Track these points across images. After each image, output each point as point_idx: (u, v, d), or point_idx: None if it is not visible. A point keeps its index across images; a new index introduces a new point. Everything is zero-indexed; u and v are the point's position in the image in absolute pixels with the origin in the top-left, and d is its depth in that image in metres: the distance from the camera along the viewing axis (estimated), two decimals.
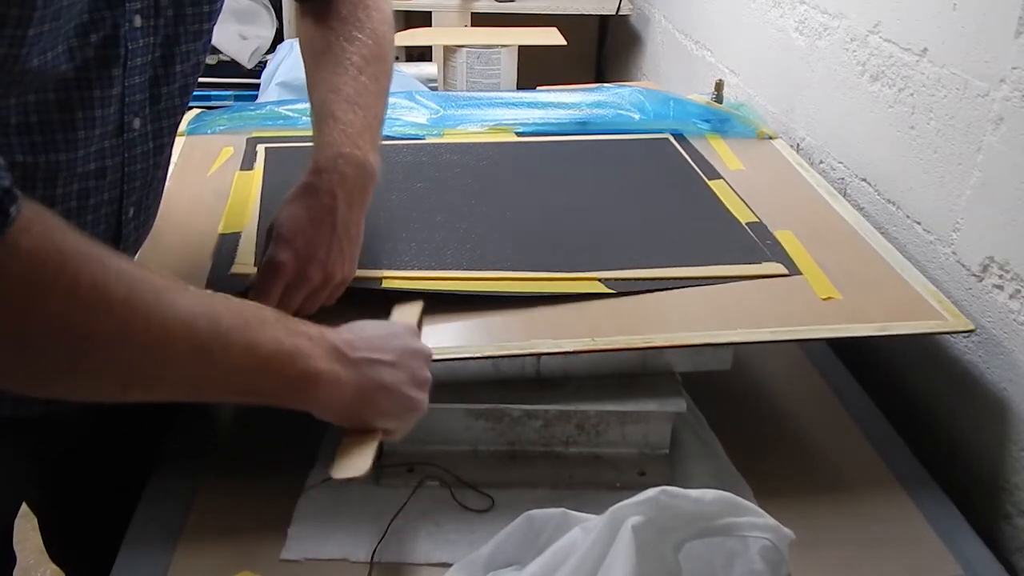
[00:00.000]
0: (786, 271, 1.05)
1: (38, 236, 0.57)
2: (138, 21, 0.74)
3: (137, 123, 0.81)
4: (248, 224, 1.10)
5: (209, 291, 0.71)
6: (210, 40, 0.87)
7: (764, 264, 1.06)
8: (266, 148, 1.31)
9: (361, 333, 0.78)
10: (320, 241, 0.85)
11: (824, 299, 1.00)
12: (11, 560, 1.04)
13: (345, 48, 0.90)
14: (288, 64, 1.75)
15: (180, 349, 0.65)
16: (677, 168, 1.32)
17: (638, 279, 1.01)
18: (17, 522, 1.04)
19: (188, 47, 0.82)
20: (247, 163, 1.28)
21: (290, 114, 1.42)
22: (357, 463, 0.75)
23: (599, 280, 1.00)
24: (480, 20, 2.46)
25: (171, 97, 0.84)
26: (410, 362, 0.79)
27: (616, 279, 1.01)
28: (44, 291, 0.58)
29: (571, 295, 0.97)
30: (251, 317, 0.70)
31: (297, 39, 1.03)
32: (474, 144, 1.37)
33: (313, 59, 0.93)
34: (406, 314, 0.92)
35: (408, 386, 0.78)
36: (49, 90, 0.70)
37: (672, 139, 1.41)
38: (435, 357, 0.87)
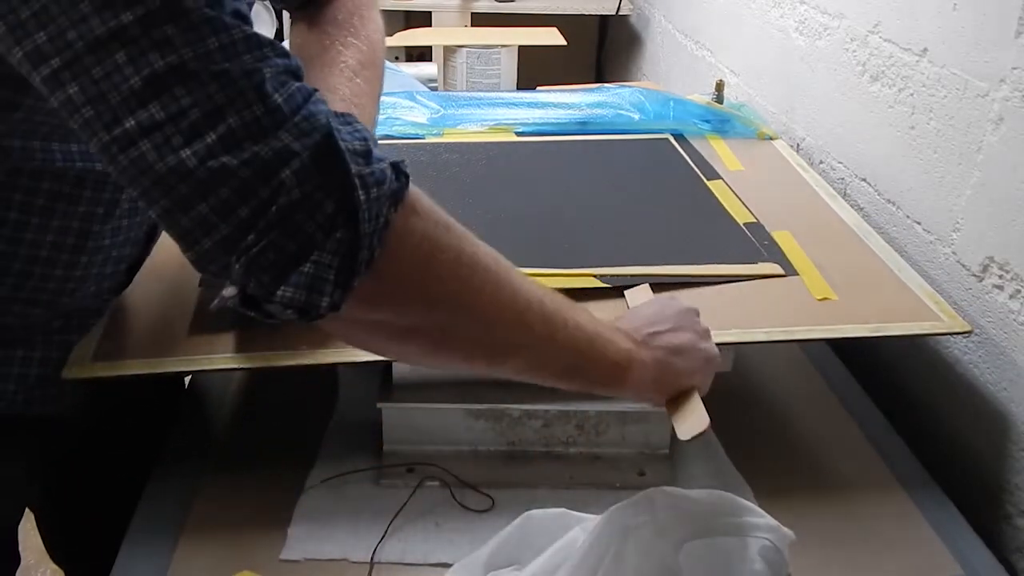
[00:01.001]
0: (782, 271, 1.05)
1: (426, 204, 0.62)
2: None
3: None
4: None
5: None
6: None
7: (760, 264, 1.06)
8: None
9: (633, 318, 0.81)
10: None
11: (820, 300, 1.00)
12: (15, 560, 1.04)
13: (341, 52, 0.90)
14: None
15: (535, 318, 0.68)
16: (676, 168, 1.32)
17: (633, 275, 1.01)
18: None
19: None
20: None
21: None
22: (696, 419, 0.77)
23: (594, 276, 1.00)
24: (480, 20, 2.46)
25: None
26: (687, 321, 0.81)
27: (611, 275, 1.01)
28: (439, 254, 0.62)
29: (565, 290, 0.97)
30: (564, 300, 0.72)
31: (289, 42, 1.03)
32: (474, 144, 1.37)
33: (308, 61, 0.93)
34: (640, 295, 0.97)
35: (697, 342, 0.80)
36: None
37: (672, 139, 1.41)
38: None
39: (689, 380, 0.80)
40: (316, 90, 0.58)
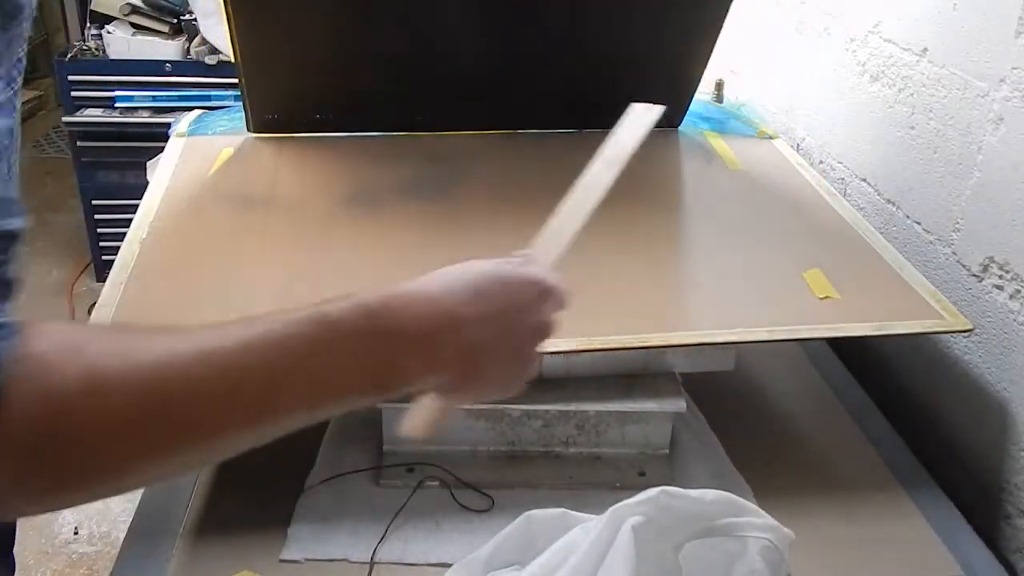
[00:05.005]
0: None
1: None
2: None
3: None
4: None
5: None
6: None
7: None
8: None
9: (450, 282, 0.60)
10: None
11: (822, 299, 1.00)
12: (11, 567, 1.03)
13: None
14: None
15: (250, 390, 0.53)
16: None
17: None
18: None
19: None
20: None
21: None
22: (425, 421, 0.62)
23: None
24: None
25: None
26: (515, 327, 0.61)
27: None
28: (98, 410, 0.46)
29: None
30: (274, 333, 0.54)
31: None
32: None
33: None
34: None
35: (511, 364, 0.62)
36: None
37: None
38: None
39: (481, 394, 0.62)
40: None
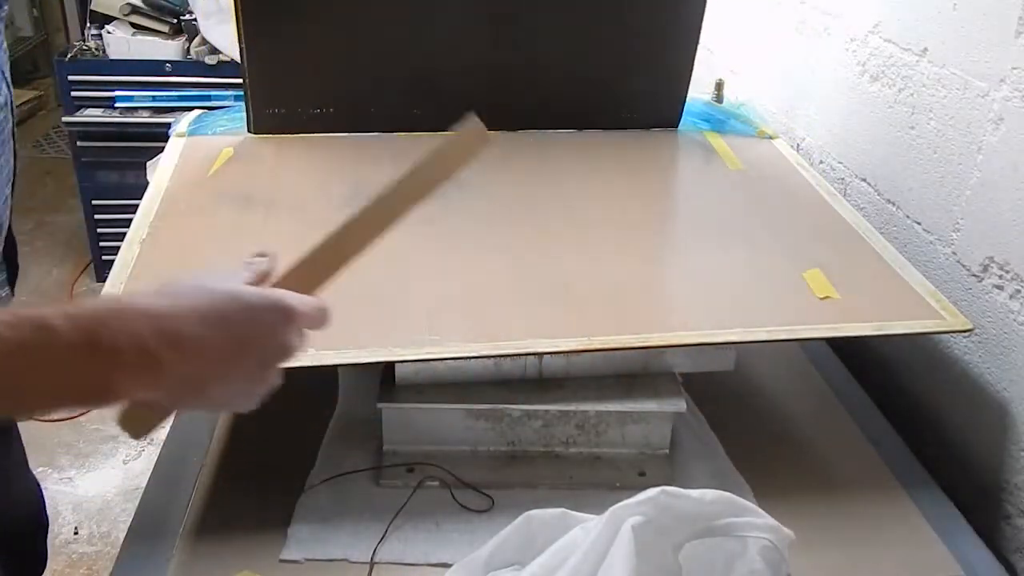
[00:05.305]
0: None
1: None
2: None
3: None
4: None
5: None
6: None
7: None
8: None
9: (180, 298, 0.58)
10: None
11: (822, 299, 1.00)
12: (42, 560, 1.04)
13: None
14: None
15: None
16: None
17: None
18: None
19: None
20: None
21: None
22: (143, 424, 0.61)
23: None
24: None
25: None
26: (252, 352, 0.60)
27: None
28: None
29: None
30: None
31: None
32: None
33: None
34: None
35: (243, 385, 0.61)
36: None
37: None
38: (437, 357, 0.87)
39: (208, 409, 0.65)
40: None
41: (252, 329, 0.59)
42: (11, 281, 1.05)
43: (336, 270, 0.65)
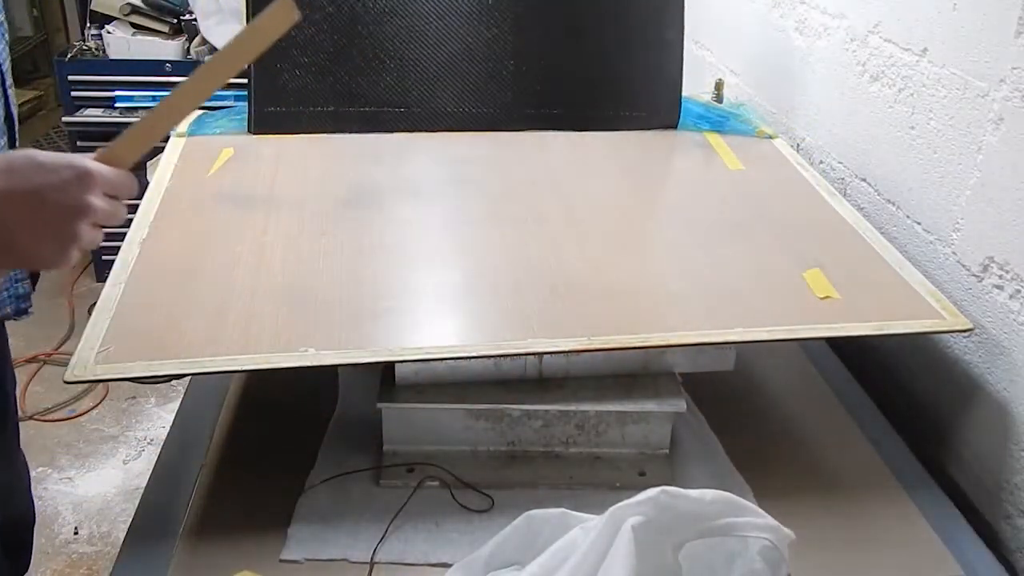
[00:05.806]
0: None
1: None
2: None
3: None
4: None
5: None
6: None
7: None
8: None
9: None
10: None
11: (822, 298, 1.00)
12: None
13: None
14: None
15: None
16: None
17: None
18: None
19: None
20: None
21: None
22: None
23: None
24: None
25: None
26: (47, 205, 0.67)
27: None
28: None
29: None
30: None
31: None
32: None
33: None
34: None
35: (48, 240, 0.69)
36: None
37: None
38: (436, 357, 0.87)
39: (21, 264, 0.74)
40: None
41: (44, 179, 0.67)
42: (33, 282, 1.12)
43: (154, 140, 0.77)
